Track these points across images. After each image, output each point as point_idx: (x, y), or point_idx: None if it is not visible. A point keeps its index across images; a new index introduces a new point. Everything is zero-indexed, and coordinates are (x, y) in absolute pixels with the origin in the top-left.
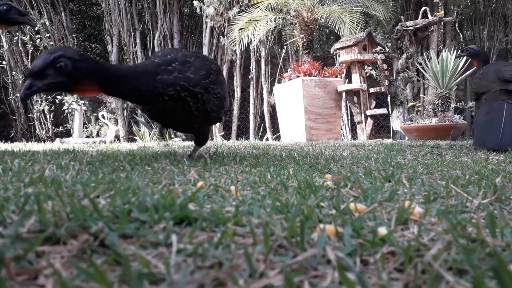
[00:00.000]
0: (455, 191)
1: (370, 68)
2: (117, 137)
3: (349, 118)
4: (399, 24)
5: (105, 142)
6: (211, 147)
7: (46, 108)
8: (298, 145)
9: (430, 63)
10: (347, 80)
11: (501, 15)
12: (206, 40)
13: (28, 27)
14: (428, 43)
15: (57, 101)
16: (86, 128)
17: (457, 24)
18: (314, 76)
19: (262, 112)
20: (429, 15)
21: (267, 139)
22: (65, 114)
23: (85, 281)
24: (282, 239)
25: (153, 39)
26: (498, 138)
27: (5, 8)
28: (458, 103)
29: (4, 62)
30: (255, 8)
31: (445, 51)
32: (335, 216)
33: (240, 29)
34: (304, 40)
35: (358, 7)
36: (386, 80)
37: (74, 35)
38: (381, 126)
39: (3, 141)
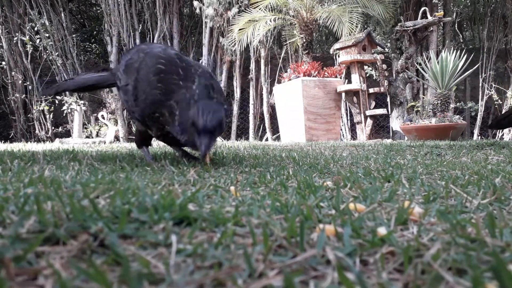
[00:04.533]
0: (455, 191)
1: (370, 68)
2: (116, 138)
3: (348, 118)
4: (399, 24)
5: (104, 143)
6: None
7: (46, 108)
8: (298, 145)
9: (429, 64)
10: (346, 80)
11: (500, 15)
12: (205, 40)
13: (28, 27)
14: (427, 43)
15: (56, 102)
16: (85, 128)
17: (456, 24)
18: (313, 76)
19: (262, 112)
20: (428, 16)
21: (266, 140)
22: (64, 115)
23: (84, 281)
24: (281, 239)
25: (153, 39)
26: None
27: None
28: (458, 104)
29: (3, 63)
30: (254, 8)
31: (444, 52)
32: (335, 216)
33: (239, 29)
34: (304, 40)
35: (357, 7)
36: (385, 81)
37: (73, 35)
38: (380, 127)
39: (3, 141)
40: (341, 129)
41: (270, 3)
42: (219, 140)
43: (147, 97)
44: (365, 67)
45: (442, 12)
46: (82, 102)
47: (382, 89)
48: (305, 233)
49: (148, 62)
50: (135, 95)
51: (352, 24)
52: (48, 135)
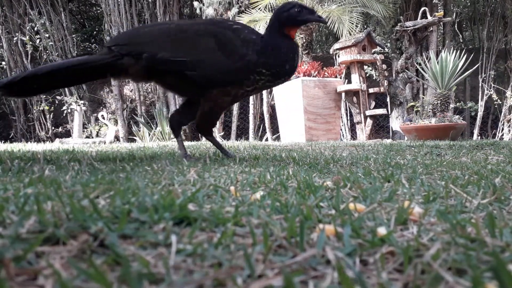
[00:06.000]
0: (455, 191)
1: (370, 68)
2: (116, 138)
3: (348, 118)
4: (399, 24)
5: (104, 143)
6: (211, 148)
7: (46, 108)
8: (298, 145)
9: (429, 64)
10: (346, 80)
11: (500, 15)
12: None
13: (28, 27)
14: (427, 43)
15: (56, 102)
16: (85, 128)
17: (456, 24)
18: (313, 76)
19: (262, 112)
20: (428, 16)
21: (266, 140)
22: (64, 115)
23: (84, 281)
24: (281, 240)
25: None
26: None
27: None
28: (458, 104)
29: (3, 63)
30: (254, 9)
31: (444, 52)
32: (335, 216)
33: None
34: (304, 40)
35: (357, 7)
36: (385, 81)
37: (73, 35)
38: (380, 127)
39: (3, 141)
40: (341, 129)
41: (269, 3)
42: (219, 140)
43: (249, 49)
44: (365, 67)
45: (442, 12)
46: (82, 102)
47: (382, 89)
48: (305, 233)
49: (219, 27)
50: (228, 54)
51: (352, 24)
52: (48, 135)
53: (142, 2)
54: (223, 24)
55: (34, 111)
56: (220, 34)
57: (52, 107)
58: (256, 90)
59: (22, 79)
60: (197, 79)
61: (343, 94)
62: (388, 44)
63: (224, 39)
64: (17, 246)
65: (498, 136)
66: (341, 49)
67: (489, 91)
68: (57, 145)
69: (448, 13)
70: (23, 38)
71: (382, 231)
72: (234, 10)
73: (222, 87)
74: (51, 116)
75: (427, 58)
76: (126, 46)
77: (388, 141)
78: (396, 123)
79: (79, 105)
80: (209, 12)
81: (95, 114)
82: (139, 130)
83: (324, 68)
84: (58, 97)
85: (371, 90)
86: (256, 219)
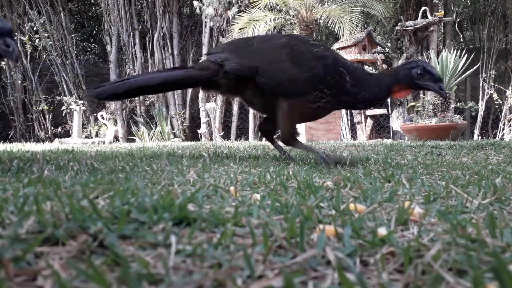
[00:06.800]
0: (455, 192)
1: (370, 68)
2: (116, 138)
3: (348, 118)
4: (399, 24)
5: (104, 143)
6: (211, 147)
7: (45, 108)
8: None
9: (429, 63)
10: None
11: (501, 15)
12: (205, 40)
13: (27, 27)
14: (428, 43)
15: (56, 102)
16: (85, 128)
17: (457, 24)
18: None
19: None
20: (429, 15)
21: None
22: (64, 115)
23: (84, 281)
24: (281, 240)
25: (152, 39)
26: None
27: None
28: (458, 103)
29: (3, 63)
30: (253, 8)
31: (445, 51)
32: (335, 216)
33: (239, 29)
34: None
35: (358, 6)
36: None
37: (73, 35)
38: (381, 127)
39: (2, 141)
40: (341, 129)
41: (269, 2)
42: (219, 140)
43: (318, 64)
44: (366, 67)
45: (442, 12)
46: (82, 102)
47: None
48: (305, 233)
49: (296, 40)
50: (297, 65)
51: (352, 23)
52: (47, 135)
53: (141, 2)
54: (301, 38)
55: (34, 111)
56: (294, 46)
57: (52, 107)
58: (321, 109)
59: (126, 91)
60: (266, 87)
61: None
62: (389, 44)
63: (297, 51)
64: (16, 246)
65: (498, 136)
66: (341, 48)
67: (490, 91)
68: (56, 145)
69: (449, 12)
70: (23, 38)
71: (382, 231)
72: (234, 9)
73: (287, 98)
74: (51, 116)
75: (427, 58)
76: (220, 55)
77: (389, 141)
78: (396, 123)
79: (78, 105)
80: (209, 11)
81: (95, 114)
82: (138, 130)
83: None
84: (57, 97)
85: None
86: (256, 219)
